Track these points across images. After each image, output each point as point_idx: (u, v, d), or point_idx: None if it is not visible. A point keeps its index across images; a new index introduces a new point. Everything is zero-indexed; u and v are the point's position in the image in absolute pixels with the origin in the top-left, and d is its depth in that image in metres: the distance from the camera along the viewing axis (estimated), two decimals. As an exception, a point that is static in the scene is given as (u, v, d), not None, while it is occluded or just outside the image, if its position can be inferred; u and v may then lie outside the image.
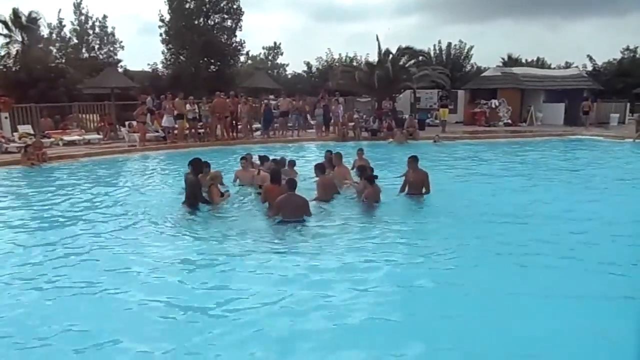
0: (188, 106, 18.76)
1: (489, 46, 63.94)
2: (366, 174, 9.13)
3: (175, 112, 18.69)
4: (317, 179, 9.68)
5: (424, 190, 9.39)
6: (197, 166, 8.93)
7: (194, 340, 4.41)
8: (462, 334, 4.52)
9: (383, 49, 25.04)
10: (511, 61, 38.91)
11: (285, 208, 7.80)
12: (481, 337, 4.49)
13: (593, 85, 27.17)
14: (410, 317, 4.95)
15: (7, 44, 31.61)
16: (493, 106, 26.27)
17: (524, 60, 40.07)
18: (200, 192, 8.79)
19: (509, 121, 25.85)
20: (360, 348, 4.33)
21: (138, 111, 18.55)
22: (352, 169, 11.15)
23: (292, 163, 10.99)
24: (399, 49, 25.05)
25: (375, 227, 7.75)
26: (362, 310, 4.92)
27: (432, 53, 34.10)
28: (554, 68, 37.42)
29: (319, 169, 9.53)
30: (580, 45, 61.53)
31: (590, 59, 31.71)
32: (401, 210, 8.87)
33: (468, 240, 7.15)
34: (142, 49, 50.33)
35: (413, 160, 9.42)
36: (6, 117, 18.26)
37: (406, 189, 9.48)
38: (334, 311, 4.91)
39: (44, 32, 32.64)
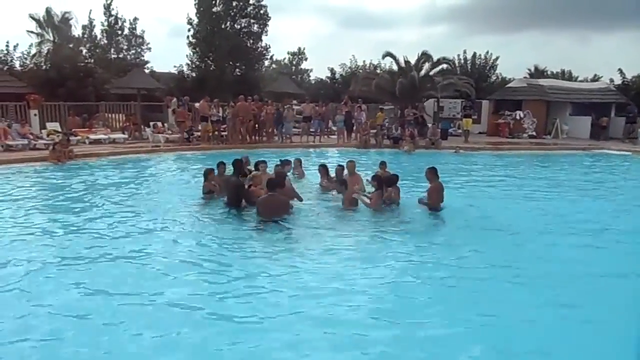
0: (213, 109, 19.00)
1: (515, 57, 63.34)
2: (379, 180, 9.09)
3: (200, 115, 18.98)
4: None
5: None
6: (239, 167, 9.16)
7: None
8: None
9: (407, 57, 25.13)
10: (537, 73, 38.47)
11: (265, 208, 7.98)
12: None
13: (621, 99, 26.66)
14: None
15: (40, 43, 32.48)
16: (517, 117, 25.97)
17: (550, 72, 39.57)
18: (244, 193, 8.91)
19: (534, 133, 25.51)
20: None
21: (178, 114, 18.89)
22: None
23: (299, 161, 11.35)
24: (421, 55, 25.01)
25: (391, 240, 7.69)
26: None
27: (456, 62, 33.92)
28: (582, 81, 36.88)
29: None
30: (609, 58, 60.36)
31: (621, 72, 31.10)
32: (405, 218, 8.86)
33: (486, 252, 7.09)
34: (169, 52, 51.27)
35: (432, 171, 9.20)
36: (35, 114, 18.73)
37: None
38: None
39: (75, 32, 33.53)
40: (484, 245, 7.36)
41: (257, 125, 20.37)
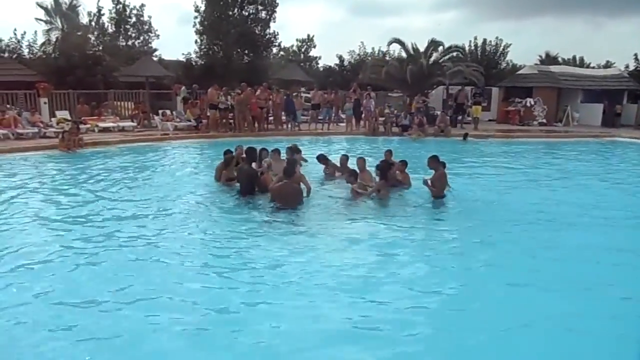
0: (222, 97, 18.96)
1: (526, 43, 62.51)
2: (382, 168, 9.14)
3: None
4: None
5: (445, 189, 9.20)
6: (251, 155, 9.27)
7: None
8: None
9: (415, 44, 24.98)
10: (549, 59, 38.04)
11: (279, 195, 8.17)
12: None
13: (634, 86, 26.34)
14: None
15: (48, 31, 32.53)
16: (528, 105, 25.75)
17: (561, 59, 39.12)
18: (257, 181, 9.02)
19: (544, 121, 25.30)
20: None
21: (211, 94, 18.87)
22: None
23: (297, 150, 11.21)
24: (431, 42, 24.82)
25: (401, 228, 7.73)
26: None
27: (467, 49, 33.60)
28: (594, 67, 36.42)
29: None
30: (623, 44, 59.49)
31: (636, 58, 30.60)
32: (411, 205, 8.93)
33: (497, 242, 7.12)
34: (179, 39, 51.17)
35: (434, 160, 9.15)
36: (45, 103, 18.83)
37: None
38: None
39: (83, 19, 33.53)
40: (487, 233, 7.43)
41: (268, 113, 20.33)
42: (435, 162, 9.06)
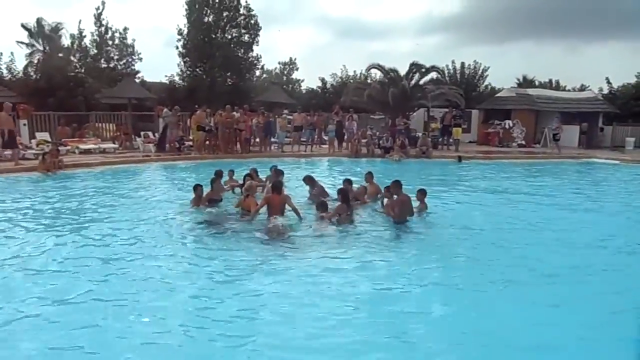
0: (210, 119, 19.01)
1: (506, 67, 63.91)
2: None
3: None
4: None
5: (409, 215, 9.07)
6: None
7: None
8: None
9: (395, 67, 25.45)
10: (526, 82, 38.86)
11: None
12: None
13: (608, 108, 27.03)
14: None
15: (30, 54, 32.39)
16: (507, 127, 26.24)
17: (538, 82, 40.01)
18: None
19: (523, 142, 25.78)
20: None
21: (199, 116, 18.90)
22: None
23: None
24: (412, 65, 25.25)
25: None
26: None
27: (446, 72, 34.23)
28: (569, 90, 37.30)
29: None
30: (598, 67, 60.99)
31: (608, 81, 31.51)
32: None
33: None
34: (164, 61, 51.21)
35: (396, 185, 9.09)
36: (25, 124, 18.63)
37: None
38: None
39: (65, 42, 33.47)
40: (445, 255, 7.33)
41: (251, 135, 20.40)
42: (396, 187, 9.01)
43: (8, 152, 15.38)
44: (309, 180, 10.90)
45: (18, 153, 15.48)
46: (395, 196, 9.07)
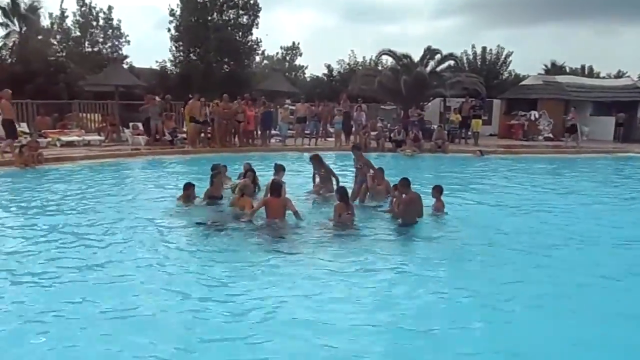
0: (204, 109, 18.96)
1: (532, 52, 63.53)
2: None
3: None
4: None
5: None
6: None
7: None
8: None
9: (408, 53, 25.32)
10: (555, 69, 38.74)
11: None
12: None
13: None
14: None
15: (6, 35, 32.31)
16: (532, 118, 26.07)
17: (568, 68, 39.81)
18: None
19: (550, 135, 25.60)
20: None
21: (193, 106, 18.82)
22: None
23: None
24: (427, 50, 25.11)
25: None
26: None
27: (464, 58, 34.09)
28: (604, 77, 37.06)
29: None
30: (637, 52, 60.17)
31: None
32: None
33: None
34: (152, 45, 51.04)
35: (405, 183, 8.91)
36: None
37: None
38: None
39: (45, 22, 33.41)
40: (461, 265, 7.15)
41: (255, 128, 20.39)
42: (404, 186, 8.83)
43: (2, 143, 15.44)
44: (316, 159, 11.04)
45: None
46: (404, 195, 8.95)
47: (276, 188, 8.84)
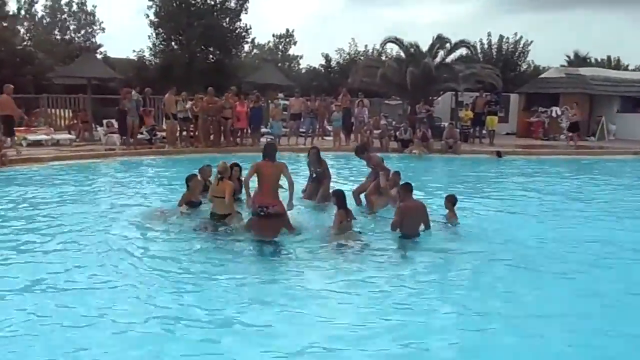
0: (179, 104, 18.90)
1: (554, 41, 63.05)
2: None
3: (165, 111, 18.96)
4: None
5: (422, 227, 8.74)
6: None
7: None
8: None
9: (416, 42, 25.39)
10: (578, 60, 38.82)
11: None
12: None
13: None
14: None
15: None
16: (554, 115, 26.13)
17: (593, 60, 39.93)
18: None
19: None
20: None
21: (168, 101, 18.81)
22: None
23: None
24: (436, 39, 25.14)
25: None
26: None
27: (478, 48, 34.13)
28: (633, 70, 37.18)
29: None
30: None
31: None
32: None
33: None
34: (129, 33, 51.11)
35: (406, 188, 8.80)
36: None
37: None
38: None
39: (11, 8, 33.42)
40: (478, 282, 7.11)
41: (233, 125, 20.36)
42: (405, 192, 8.70)
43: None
44: (316, 154, 11.22)
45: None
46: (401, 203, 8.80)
47: (270, 151, 8.52)
